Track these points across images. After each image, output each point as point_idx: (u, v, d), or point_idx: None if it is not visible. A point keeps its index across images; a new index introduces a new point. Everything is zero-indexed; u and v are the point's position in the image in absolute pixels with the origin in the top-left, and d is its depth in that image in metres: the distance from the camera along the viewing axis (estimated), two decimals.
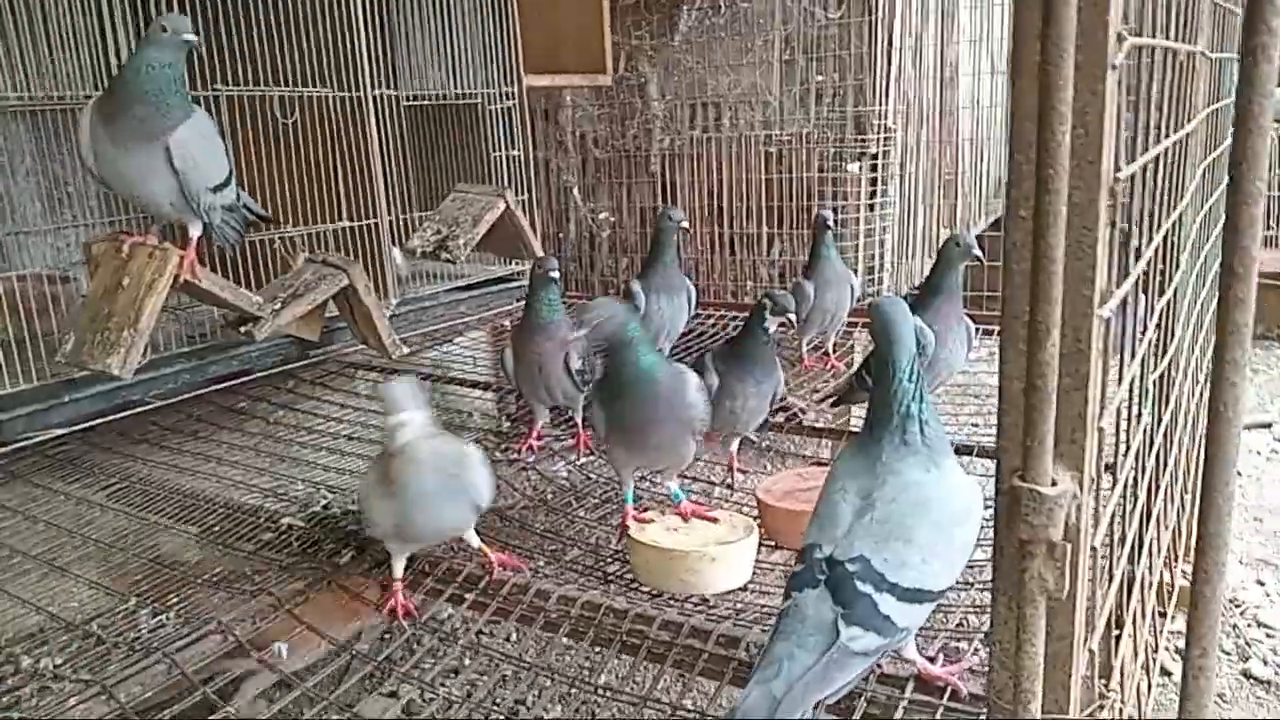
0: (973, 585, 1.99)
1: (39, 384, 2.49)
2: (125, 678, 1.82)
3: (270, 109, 3.13)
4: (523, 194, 3.91)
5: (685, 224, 3.19)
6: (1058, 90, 0.89)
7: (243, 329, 2.72)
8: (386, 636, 2.21)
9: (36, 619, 2.12)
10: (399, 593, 2.02)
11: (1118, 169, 1.00)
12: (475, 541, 2.10)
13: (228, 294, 2.59)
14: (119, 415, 2.81)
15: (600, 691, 1.92)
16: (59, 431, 2.60)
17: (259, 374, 3.23)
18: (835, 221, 3.44)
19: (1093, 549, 1.08)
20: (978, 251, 2.58)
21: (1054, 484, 0.99)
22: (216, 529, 2.52)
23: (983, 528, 1.43)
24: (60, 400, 2.55)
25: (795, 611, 1.37)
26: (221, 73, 2.99)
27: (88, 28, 2.55)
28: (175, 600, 2.15)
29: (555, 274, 2.68)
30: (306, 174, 3.33)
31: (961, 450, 2.69)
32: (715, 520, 2.13)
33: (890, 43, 4.41)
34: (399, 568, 2.03)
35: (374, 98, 3.29)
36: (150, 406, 2.89)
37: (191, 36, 2.19)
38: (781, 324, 2.39)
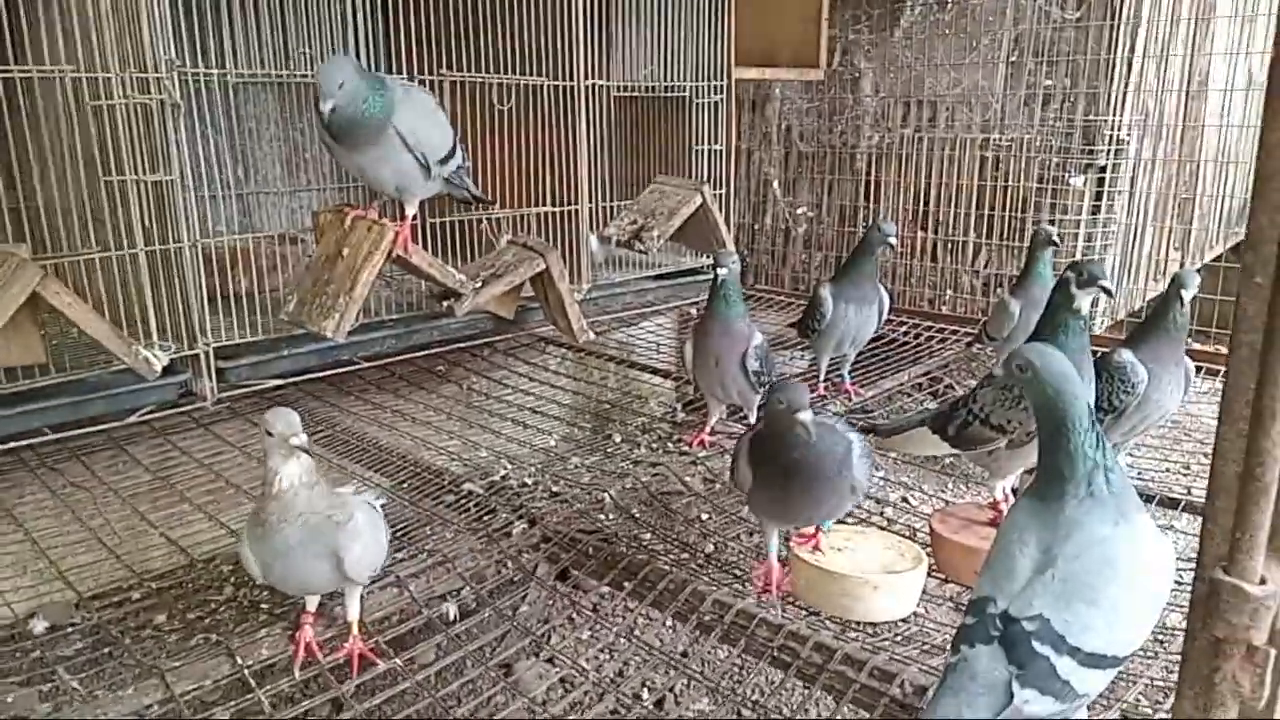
0: (1159, 657, 1.83)
1: (263, 336, 2.73)
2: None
3: (489, 95, 3.28)
4: (721, 189, 3.90)
5: (894, 241, 3.07)
6: None
7: (445, 303, 2.88)
8: (548, 606, 2.30)
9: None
10: (304, 629, 1.86)
11: None
12: (351, 611, 1.88)
13: (435, 270, 2.74)
14: (331, 372, 3.04)
15: (747, 701, 1.93)
16: (276, 382, 2.84)
17: (458, 344, 3.41)
18: (1051, 237, 3.20)
19: None
20: (1189, 295, 2.35)
21: (1263, 582, 0.89)
22: (405, 484, 2.70)
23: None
24: (280, 354, 2.79)
25: (964, 667, 1.30)
26: (447, 59, 3.15)
27: (331, 13, 2.76)
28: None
29: (723, 271, 2.64)
30: (516, 159, 3.47)
31: (1165, 502, 2.49)
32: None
33: (1133, 49, 4.07)
34: (310, 603, 1.89)
35: (586, 87, 3.37)
36: (358, 367, 3.11)
37: (323, 107, 2.27)
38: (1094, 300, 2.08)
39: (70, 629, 2.07)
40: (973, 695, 1.28)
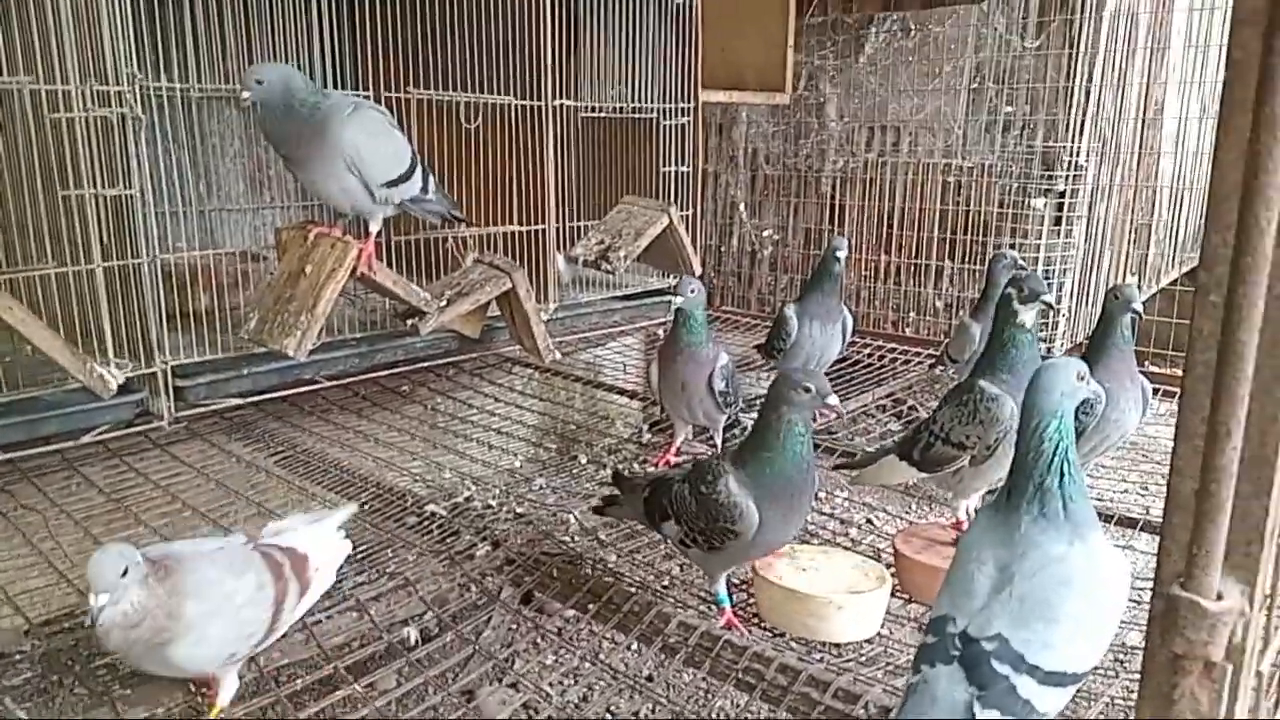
0: (1120, 676, 1.85)
1: (223, 355, 2.69)
2: (268, 646, 1.94)
3: (456, 113, 3.27)
4: (688, 209, 3.92)
5: (841, 255, 3.10)
6: (1267, 172, 0.81)
7: (409, 322, 2.86)
8: (512, 630, 2.27)
9: None
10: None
11: None
12: (223, 693, 1.67)
13: (399, 288, 2.72)
14: (291, 391, 3.00)
15: None
16: (236, 401, 2.80)
17: (422, 363, 3.39)
18: (1016, 262, 3.24)
19: (1258, 673, 0.98)
20: (1138, 307, 2.38)
21: (1220, 598, 0.90)
22: (366, 506, 2.66)
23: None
24: (240, 372, 2.75)
25: (925, 689, 1.30)
26: (413, 76, 3.15)
27: (295, 28, 2.75)
28: None
29: (680, 300, 2.62)
30: (483, 177, 3.46)
31: (1123, 521, 2.52)
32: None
33: (1090, 78, 4.16)
34: None
35: (554, 107, 3.38)
36: (320, 386, 3.07)
37: (243, 95, 2.34)
38: (1040, 313, 2.07)
39: (19, 656, 2.00)
40: (933, 717, 1.28)
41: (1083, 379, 1.44)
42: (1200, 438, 0.89)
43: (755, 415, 3.01)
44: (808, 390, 1.75)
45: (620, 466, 2.97)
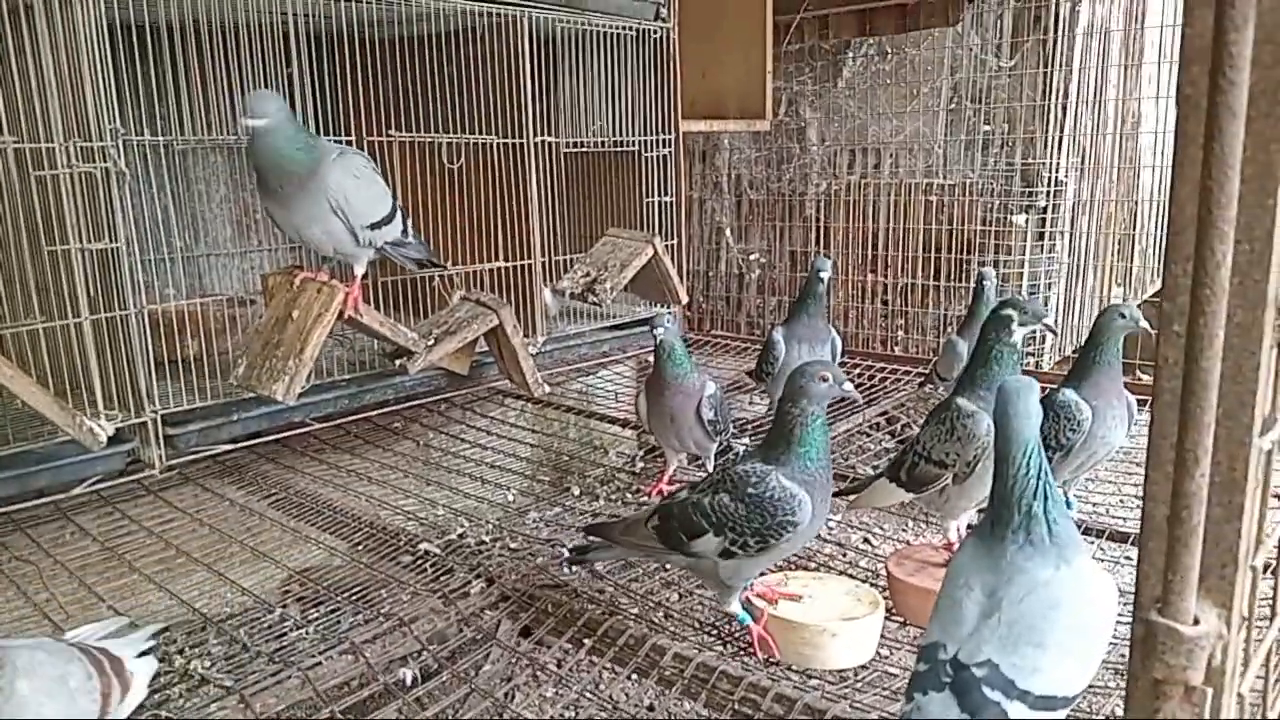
0: (1117, 689, 1.85)
1: (213, 401, 2.70)
2: (262, 688, 1.94)
3: (439, 154, 3.30)
4: (672, 239, 3.95)
5: (824, 275, 3.15)
6: (1220, 208, 0.83)
7: (398, 362, 2.87)
8: (510, 665, 2.27)
9: (192, 619, 2.29)
10: None
11: None
12: None
13: (386, 329, 2.74)
14: (282, 435, 3.01)
15: None
16: (227, 446, 2.81)
17: (413, 400, 3.40)
18: (997, 278, 3.28)
19: (1239, 695, 0.99)
20: (1145, 324, 2.40)
21: (1196, 622, 0.91)
22: (360, 546, 2.66)
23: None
24: (230, 418, 2.76)
25: (917, 715, 1.32)
26: (395, 119, 3.18)
27: (277, 76, 2.78)
28: (315, 615, 2.28)
29: (661, 331, 2.64)
30: (467, 216, 3.49)
31: (1115, 536, 2.53)
32: (796, 598, 2.07)
33: (1067, 94, 4.22)
34: None
35: (535, 144, 3.42)
36: (311, 428, 3.08)
37: (247, 122, 2.37)
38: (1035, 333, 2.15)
39: None
40: None
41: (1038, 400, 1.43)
42: (1170, 464, 0.91)
43: (746, 441, 3.04)
44: (824, 380, 1.84)
45: (613, 497, 2.98)
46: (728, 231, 5.40)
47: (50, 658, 1.48)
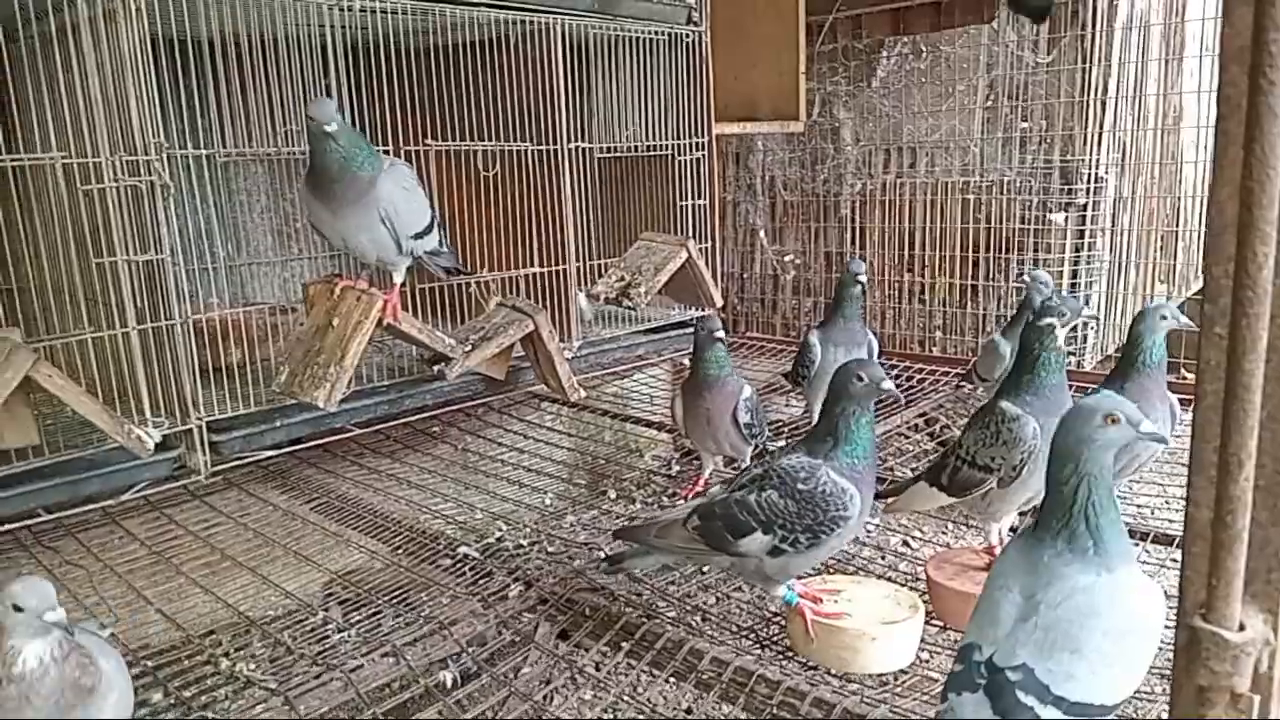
0: (1157, 701, 1.82)
1: (256, 408, 2.75)
2: (306, 690, 1.97)
3: (474, 162, 3.33)
4: (706, 242, 3.95)
5: (863, 279, 3.13)
6: (1261, 209, 0.82)
7: (436, 367, 2.90)
8: (549, 669, 2.28)
9: (237, 621, 2.33)
10: None
11: None
12: None
13: (425, 336, 2.77)
14: (323, 441, 3.06)
15: None
16: (270, 452, 2.86)
17: (451, 405, 3.43)
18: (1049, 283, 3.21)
19: None
20: (1187, 321, 2.36)
21: (1242, 628, 0.90)
22: (401, 550, 2.69)
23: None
24: (273, 424, 2.80)
25: (951, 716, 1.31)
26: (432, 129, 3.22)
27: (316, 89, 2.82)
28: (357, 617, 2.31)
29: (720, 334, 2.69)
30: (503, 222, 3.52)
31: (1160, 539, 2.49)
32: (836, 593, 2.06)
33: (1106, 90, 4.16)
34: None
35: (569, 150, 3.43)
36: (352, 434, 3.13)
37: (319, 126, 2.40)
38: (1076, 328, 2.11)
39: None
40: None
41: (1113, 420, 1.37)
42: (1214, 468, 0.90)
43: (782, 444, 3.04)
44: (861, 380, 1.86)
45: (649, 500, 2.98)
46: (762, 233, 5.39)
47: (100, 641, 1.56)
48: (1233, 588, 0.89)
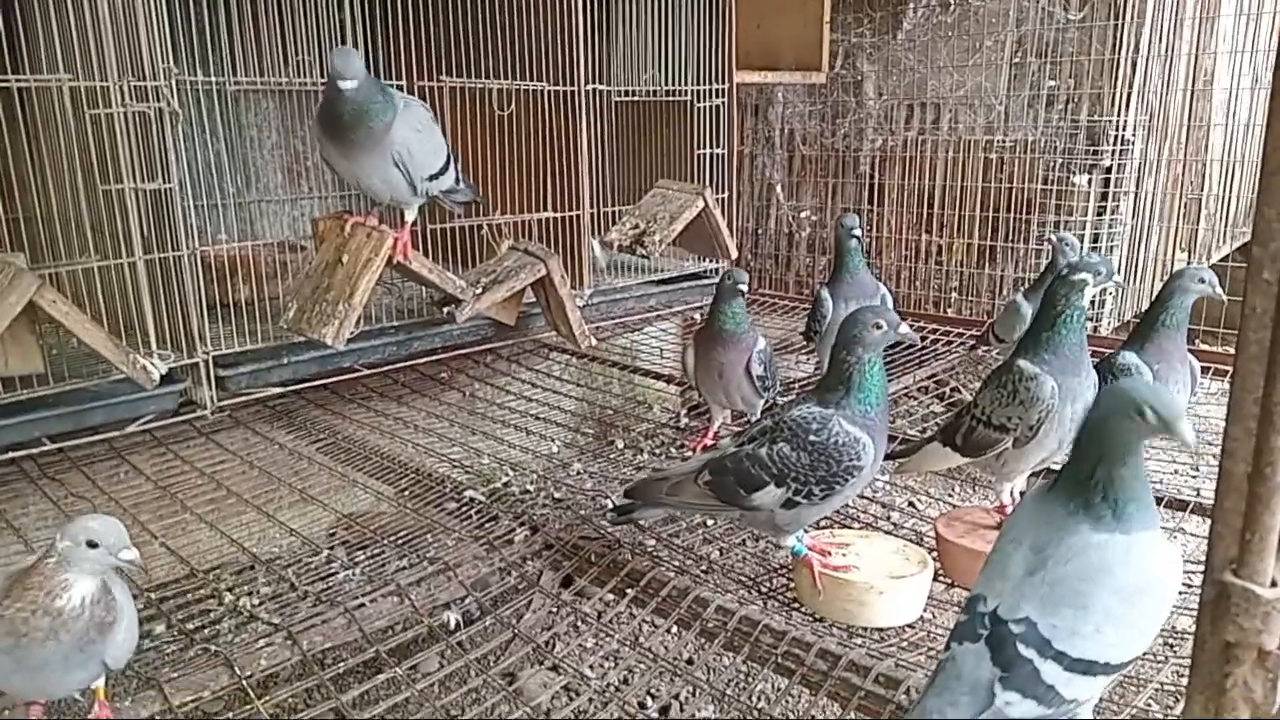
0: (1169, 661, 1.81)
1: (263, 345, 2.73)
2: (309, 626, 1.96)
3: (489, 100, 3.27)
4: (723, 192, 3.88)
5: (858, 233, 3.07)
6: None
7: (445, 310, 2.87)
8: (552, 614, 2.28)
9: (242, 558, 2.33)
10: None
11: None
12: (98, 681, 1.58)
13: (434, 276, 2.74)
14: (332, 380, 3.04)
15: (752, 709, 1.91)
16: (277, 390, 2.84)
17: (460, 350, 3.41)
18: (1070, 245, 3.15)
19: None
20: (1220, 290, 2.31)
21: (1274, 584, 0.87)
22: (407, 492, 2.68)
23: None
24: (280, 361, 2.79)
25: (952, 666, 1.29)
26: (446, 64, 3.15)
27: (329, 20, 2.76)
28: (362, 557, 2.31)
29: (744, 287, 2.65)
30: (517, 164, 3.46)
31: (1173, 504, 2.46)
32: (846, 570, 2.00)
33: (1137, 49, 4.05)
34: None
35: (586, 92, 3.36)
36: (359, 374, 3.11)
37: (339, 84, 2.34)
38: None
39: None
40: (956, 695, 1.27)
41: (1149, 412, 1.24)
42: (1254, 419, 0.86)
43: (791, 398, 3.01)
44: (879, 327, 1.81)
45: (656, 451, 2.96)
46: (778, 188, 5.31)
47: (120, 582, 1.56)
48: (1267, 543, 0.86)
